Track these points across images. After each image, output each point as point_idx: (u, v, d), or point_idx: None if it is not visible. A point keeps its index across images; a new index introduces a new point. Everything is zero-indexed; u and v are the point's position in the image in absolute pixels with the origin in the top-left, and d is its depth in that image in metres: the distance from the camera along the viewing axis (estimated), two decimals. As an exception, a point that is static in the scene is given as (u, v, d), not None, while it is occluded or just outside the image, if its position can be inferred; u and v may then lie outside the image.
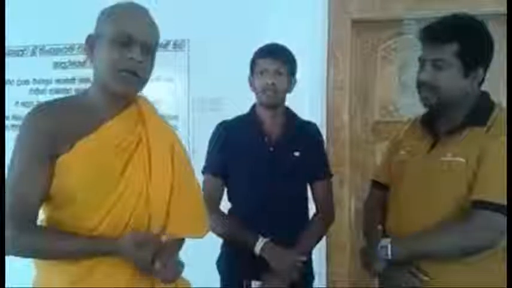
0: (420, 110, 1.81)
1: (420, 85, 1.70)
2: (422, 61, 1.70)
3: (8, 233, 1.35)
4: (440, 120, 1.73)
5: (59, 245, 1.38)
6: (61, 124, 1.38)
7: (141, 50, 1.41)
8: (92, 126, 1.41)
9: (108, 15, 1.45)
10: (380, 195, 1.93)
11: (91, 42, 1.45)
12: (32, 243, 1.37)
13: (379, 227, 1.83)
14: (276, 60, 2.04)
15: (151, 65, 1.49)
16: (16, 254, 1.39)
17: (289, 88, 2.11)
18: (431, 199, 1.68)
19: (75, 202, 1.39)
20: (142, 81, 1.47)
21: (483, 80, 1.70)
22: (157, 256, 1.40)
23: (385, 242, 1.69)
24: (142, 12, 1.48)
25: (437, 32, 1.65)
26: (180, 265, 1.49)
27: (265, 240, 1.98)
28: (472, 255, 1.61)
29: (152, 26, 1.48)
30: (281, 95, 2.08)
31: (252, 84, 2.12)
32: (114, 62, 1.40)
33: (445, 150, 1.67)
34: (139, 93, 1.54)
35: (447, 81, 1.64)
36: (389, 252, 1.67)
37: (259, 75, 2.05)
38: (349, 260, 2.93)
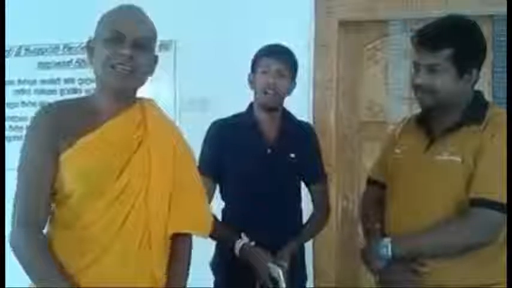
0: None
1: (415, 88, 1.71)
2: (416, 65, 1.70)
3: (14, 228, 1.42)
4: (436, 120, 1.75)
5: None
6: (63, 123, 1.44)
7: (133, 46, 1.46)
8: (93, 125, 1.46)
9: (103, 18, 1.52)
10: (376, 193, 1.94)
11: (91, 46, 1.52)
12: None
13: (378, 225, 1.84)
14: (279, 60, 2.03)
15: (150, 61, 1.55)
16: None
17: (289, 91, 2.09)
18: (428, 198, 1.69)
19: (73, 198, 1.43)
20: (138, 76, 1.51)
21: (477, 80, 1.72)
22: None
23: (386, 241, 1.71)
24: (134, 11, 1.53)
25: (431, 38, 1.66)
26: None
27: (244, 241, 1.97)
28: (471, 251, 1.62)
29: (144, 23, 1.53)
30: (281, 97, 2.07)
31: (252, 82, 2.09)
32: (107, 58, 1.45)
33: (442, 149, 1.69)
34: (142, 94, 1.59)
35: (442, 84, 1.66)
36: (389, 252, 1.69)
37: (261, 74, 2.03)
38: (335, 258, 2.94)
